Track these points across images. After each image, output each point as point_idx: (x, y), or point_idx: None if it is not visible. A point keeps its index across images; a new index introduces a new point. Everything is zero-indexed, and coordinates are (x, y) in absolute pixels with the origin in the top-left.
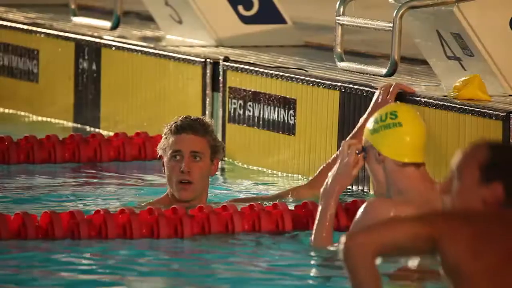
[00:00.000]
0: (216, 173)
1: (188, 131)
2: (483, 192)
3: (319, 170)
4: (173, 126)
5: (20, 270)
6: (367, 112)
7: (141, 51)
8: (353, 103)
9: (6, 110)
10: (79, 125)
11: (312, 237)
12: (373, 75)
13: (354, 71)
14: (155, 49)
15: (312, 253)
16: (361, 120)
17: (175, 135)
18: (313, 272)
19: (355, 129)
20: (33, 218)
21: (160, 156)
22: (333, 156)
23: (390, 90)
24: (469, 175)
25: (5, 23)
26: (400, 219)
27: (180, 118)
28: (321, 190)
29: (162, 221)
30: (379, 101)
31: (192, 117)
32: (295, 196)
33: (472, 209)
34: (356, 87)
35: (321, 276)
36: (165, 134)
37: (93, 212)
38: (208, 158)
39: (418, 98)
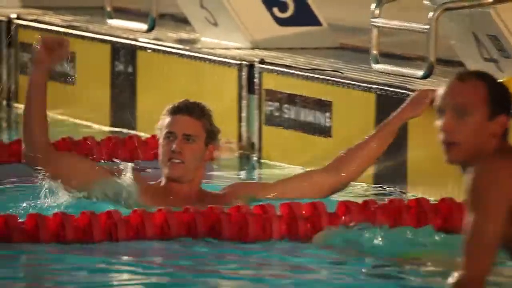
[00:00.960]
0: (241, 174)
1: (184, 112)
2: (492, 127)
3: (336, 157)
4: (171, 107)
5: (58, 272)
6: (398, 110)
7: (176, 53)
8: (388, 105)
9: None
10: (115, 127)
11: None
12: (409, 77)
13: (389, 73)
14: (191, 52)
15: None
16: (390, 116)
17: (171, 115)
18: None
19: (382, 124)
20: (72, 218)
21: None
22: (350, 147)
23: (427, 94)
24: (479, 113)
25: (41, 25)
26: (483, 237)
27: (180, 101)
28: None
29: (199, 220)
30: (414, 102)
31: (191, 100)
32: (309, 183)
33: (500, 151)
34: (391, 89)
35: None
36: (163, 115)
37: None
38: (202, 142)
39: None
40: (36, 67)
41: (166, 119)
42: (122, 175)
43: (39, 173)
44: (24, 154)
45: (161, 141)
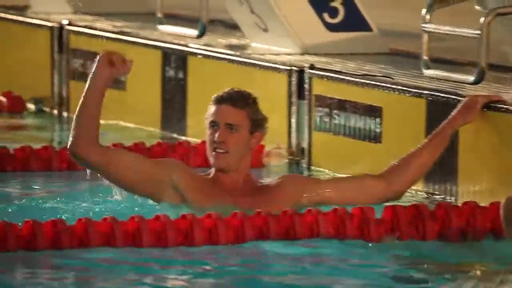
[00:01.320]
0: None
1: (228, 102)
2: None
3: (390, 165)
4: (215, 96)
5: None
6: (449, 117)
7: (226, 59)
8: (439, 111)
9: None
10: (166, 133)
11: None
12: (460, 82)
13: (440, 79)
14: (241, 57)
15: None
16: (442, 124)
17: (215, 105)
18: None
19: (434, 132)
20: (122, 224)
21: None
22: (403, 156)
23: (478, 99)
24: None
25: (93, 31)
26: None
27: (225, 90)
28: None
29: (248, 225)
30: (464, 108)
31: (236, 89)
32: (360, 186)
33: None
34: (442, 95)
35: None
36: (209, 104)
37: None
38: (246, 130)
39: (506, 106)
40: (97, 74)
41: (211, 109)
42: (171, 167)
43: (84, 166)
44: (71, 148)
45: (206, 131)
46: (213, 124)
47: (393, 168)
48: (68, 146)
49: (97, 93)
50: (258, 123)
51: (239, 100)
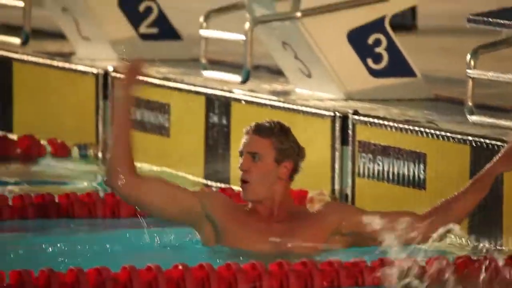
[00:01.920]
0: None
1: (253, 132)
2: None
3: (431, 207)
4: (246, 127)
5: None
6: (491, 163)
7: (270, 105)
8: (484, 157)
9: (138, 164)
10: (209, 179)
11: None
12: (505, 129)
13: (485, 125)
14: (285, 103)
15: None
16: (483, 170)
17: (244, 135)
18: None
19: (475, 177)
20: (165, 272)
21: None
22: (445, 199)
23: None
24: None
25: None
26: None
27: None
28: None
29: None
30: (506, 155)
31: (267, 120)
32: (402, 223)
33: None
34: (487, 141)
35: None
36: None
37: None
38: (270, 160)
39: None
40: (118, 98)
41: (242, 140)
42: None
43: (123, 199)
44: (108, 178)
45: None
46: (241, 154)
47: (435, 210)
48: (105, 179)
49: (124, 117)
50: (285, 152)
51: (264, 129)
